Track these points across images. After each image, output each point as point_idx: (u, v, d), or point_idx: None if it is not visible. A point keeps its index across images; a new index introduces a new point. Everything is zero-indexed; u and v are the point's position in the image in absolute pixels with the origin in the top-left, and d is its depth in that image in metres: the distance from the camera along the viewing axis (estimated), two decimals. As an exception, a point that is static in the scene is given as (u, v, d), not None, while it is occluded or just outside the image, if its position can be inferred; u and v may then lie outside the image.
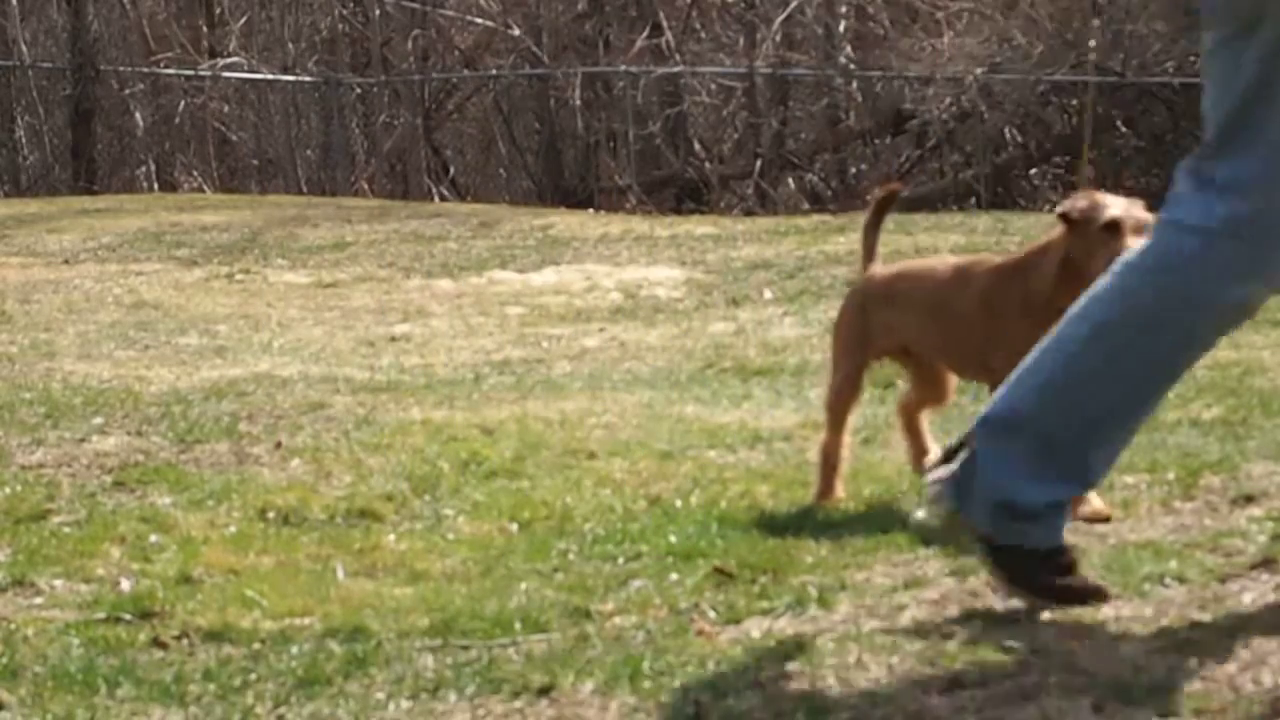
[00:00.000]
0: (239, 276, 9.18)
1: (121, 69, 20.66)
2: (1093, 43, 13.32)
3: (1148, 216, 4.02)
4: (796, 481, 4.74)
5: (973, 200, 14.77)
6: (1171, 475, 4.52)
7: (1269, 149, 3.21)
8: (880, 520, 4.36)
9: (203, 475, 5.11)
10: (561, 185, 17.72)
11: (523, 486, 4.88)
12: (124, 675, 3.60)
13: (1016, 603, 3.64)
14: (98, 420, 5.78)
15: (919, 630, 3.52)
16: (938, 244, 8.90)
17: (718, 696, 3.26)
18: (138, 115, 20.66)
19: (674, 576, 4.04)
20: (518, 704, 3.35)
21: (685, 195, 17.05)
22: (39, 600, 4.16)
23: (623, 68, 17.01)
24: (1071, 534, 4.12)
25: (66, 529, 4.67)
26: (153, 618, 3.96)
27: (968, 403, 5.63)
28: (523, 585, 4.06)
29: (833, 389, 4.62)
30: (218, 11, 21.64)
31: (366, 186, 18.81)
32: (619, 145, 18.04)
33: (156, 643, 3.81)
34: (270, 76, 19.94)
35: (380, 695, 3.44)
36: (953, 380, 4.63)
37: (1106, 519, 4.13)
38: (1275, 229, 3.24)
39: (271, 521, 4.69)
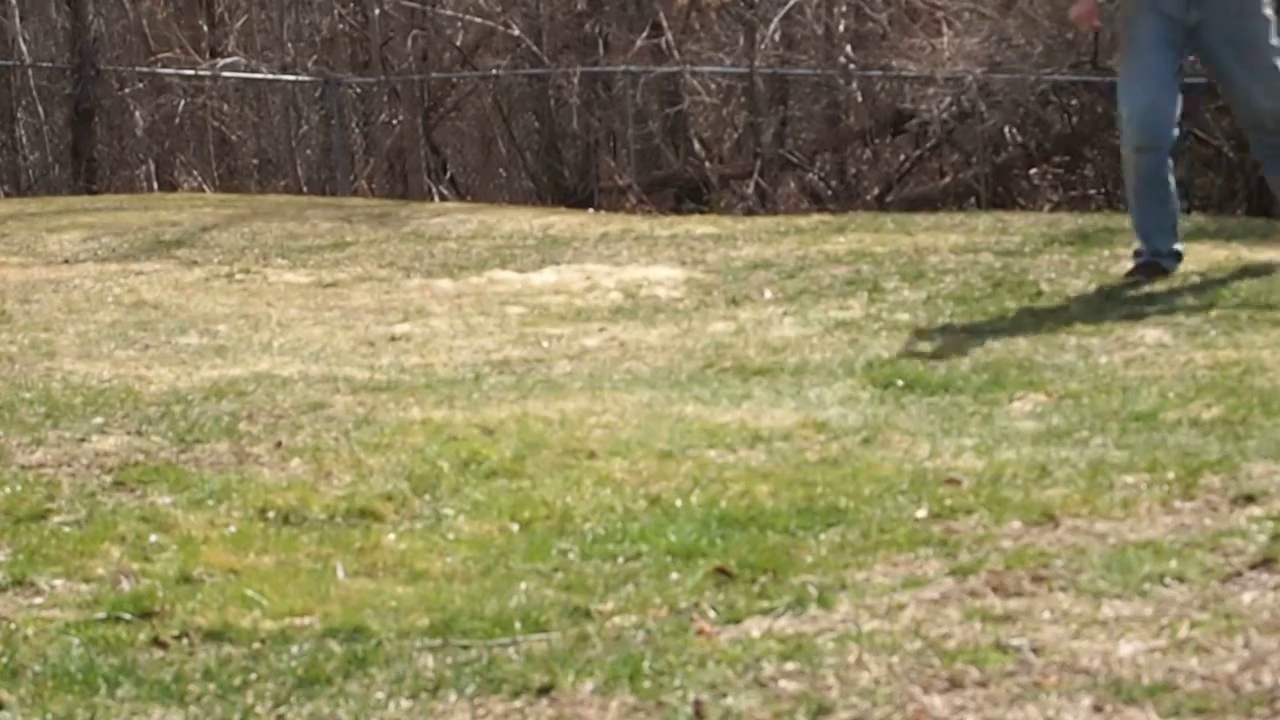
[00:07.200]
0: (239, 276, 9.17)
1: (121, 69, 20.65)
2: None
3: None
4: (796, 481, 4.74)
5: (973, 200, 14.76)
6: (1171, 475, 4.52)
7: None
8: (880, 520, 4.36)
9: (203, 475, 5.11)
10: (561, 185, 17.70)
11: (523, 486, 4.88)
12: (124, 675, 3.61)
13: (1016, 603, 3.65)
14: (98, 420, 5.78)
15: (919, 630, 3.52)
16: (937, 243, 8.90)
17: (718, 696, 3.26)
18: (138, 115, 20.65)
19: (674, 576, 4.04)
20: (518, 704, 3.35)
21: (685, 195, 17.03)
22: (39, 600, 4.16)
23: (622, 67, 17.00)
24: (1072, 534, 4.13)
25: (66, 529, 4.67)
26: (153, 618, 3.96)
27: (968, 401, 5.64)
28: (523, 585, 4.07)
29: None
30: (218, 11, 21.62)
31: (366, 186, 18.80)
32: (619, 145, 18.03)
33: (156, 642, 3.81)
34: (270, 76, 19.93)
35: (380, 695, 3.44)
36: None
37: None
38: None
39: (271, 521, 4.69)
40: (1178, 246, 7.54)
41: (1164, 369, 5.89)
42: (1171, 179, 7.55)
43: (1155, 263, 7.47)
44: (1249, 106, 7.59)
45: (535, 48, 18.10)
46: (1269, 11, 7.41)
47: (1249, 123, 7.75)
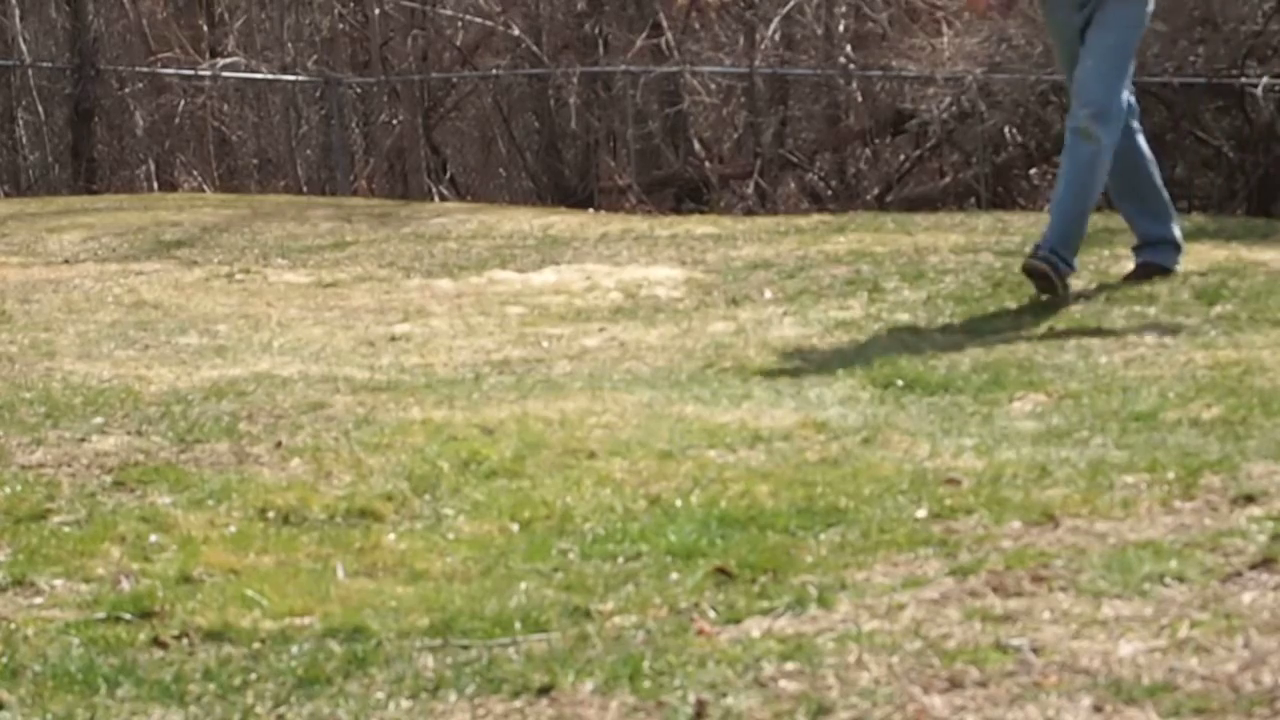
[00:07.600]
0: (239, 276, 9.17)
1: (121, 69, 20.64)
2: None
3: None
4: (796, 481, 4.74)
5: (973, 200, 14.76)
6: (1171, 475, 4.52)
7: None
8: (880, 520, 4.36)
9: (203, 475, 5.11)
10: (561, 185, 17.69)
11: (523, 486, 4.88)
12: (124, 675, 3.61)
13: (1016, 603, 3.65)
14: (98, 420, 5.78)
15: (919, 630, 3.52)
16: (938, 243, 8.90)
17: (718, 696, 3.26)
18: (138, 115, 20.65)
19: (674, 576, 4.04)
20: (518, 704, 3.35)
21: (685, 195, 17.03)
22: (39, 600, 4.16)
23: (622, 67, 16.99)
24: (1072, 534, 4.13)
25: (66, 529, 4.67)
26: (153, 617, 3.96)
27: (968, 401, 5.64)
28: (523, 585, 4.07)
29: None
30: (218, 11, 21.62)
31: (366, 186, 18.80)
32: (619, 145, 18.03)
33: (156, 642, 3.81)
34: (270, 76, 19.92)
35: (380, 695, 3.44)
36: None
37: None
38: None
39: (271, 521, 4.69)
40: (1176, 231, 7.48)
41: (1164, 369, 5.89)
42: (1149, 164, 7.43)
43: (1162, 243, 7.42)
44: (1078, 83, 7.08)
45: (535, 48, 18.09)
46: (1151, 9, 7.18)
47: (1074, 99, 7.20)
